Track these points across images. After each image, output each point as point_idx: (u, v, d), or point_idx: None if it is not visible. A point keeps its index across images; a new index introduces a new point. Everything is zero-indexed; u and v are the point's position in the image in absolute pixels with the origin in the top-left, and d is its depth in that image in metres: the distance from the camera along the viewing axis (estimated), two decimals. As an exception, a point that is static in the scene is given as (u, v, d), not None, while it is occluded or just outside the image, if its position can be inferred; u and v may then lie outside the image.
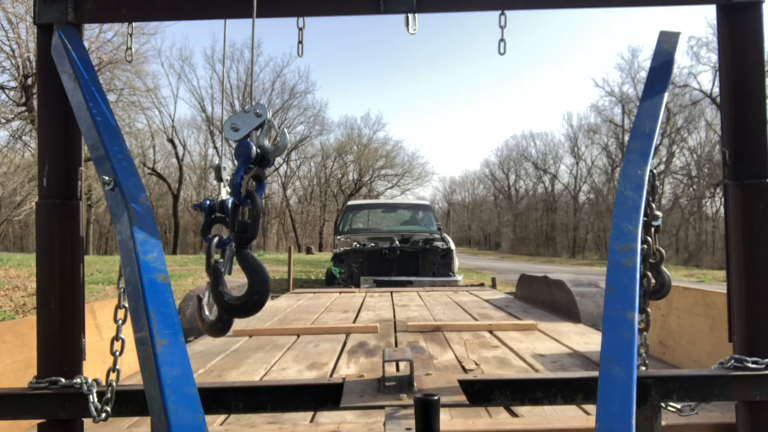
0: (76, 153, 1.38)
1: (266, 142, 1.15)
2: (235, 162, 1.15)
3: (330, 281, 8.09)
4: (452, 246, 7.95)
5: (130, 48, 1.45)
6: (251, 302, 1.10)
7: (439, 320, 3.63)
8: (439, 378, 1.28)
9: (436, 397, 0.92)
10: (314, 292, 5.92)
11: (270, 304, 4.89)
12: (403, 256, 7.78)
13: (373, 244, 8.02)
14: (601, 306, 3.60)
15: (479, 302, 4.81)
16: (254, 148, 1.13)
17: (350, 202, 10.65)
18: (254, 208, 1.13)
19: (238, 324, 3.34)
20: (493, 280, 8.20)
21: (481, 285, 7.46)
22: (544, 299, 4.40)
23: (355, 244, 8.06)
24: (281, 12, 1.39)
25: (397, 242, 7.85)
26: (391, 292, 5.68)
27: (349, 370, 2.34)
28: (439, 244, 7.97)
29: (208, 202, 1.17)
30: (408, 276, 7.56)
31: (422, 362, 2.42)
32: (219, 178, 1.24)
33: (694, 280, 12.05)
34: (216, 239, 1.15)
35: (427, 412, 0.90)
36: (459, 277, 7.75)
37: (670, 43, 1.39)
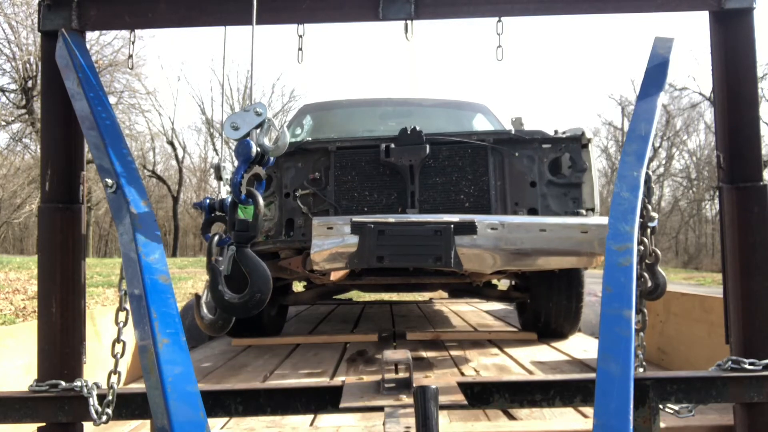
0: (78, 157, 1.40)
1: (266, 141, 1.16)
2: (236, 161, 1.16)
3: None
4: (589, 135, 2.77)
5: (131, 57, 1.47)
6: (254, 300, 1.11)
7: (438, 330, 3.64)
8: (438, 380, 1.29)
9: (434, 387, 0.94)
10: (312, 304, 5.92)
11: None
12: (442, 162, 2.55)
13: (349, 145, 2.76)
14: (599, 315, 3.57)
15: (478, 313, 4.82)
16: (254, 146, 1.14)
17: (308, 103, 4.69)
18: (256, 207, 1.14)
19: (236, 334, 3.35)
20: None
21: None
22: None
23: (306, 139, 2.83)
24: (282, 19, 1.41)
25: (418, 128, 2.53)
26: (391, 305, 5.68)
27: (348, 376, 2.34)
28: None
29: (208, 200, 1.19)
30: (455, 211, 2.40)
31: (422, 369, 2.42)
32: (219, 177, 1.25)
33: (694, 283, 12.02)
34: (216, 238, 1.16)
35: (426, 401, 0.91)
36: (599, 219, 2.43)
37: (665, 48, 1.42)
